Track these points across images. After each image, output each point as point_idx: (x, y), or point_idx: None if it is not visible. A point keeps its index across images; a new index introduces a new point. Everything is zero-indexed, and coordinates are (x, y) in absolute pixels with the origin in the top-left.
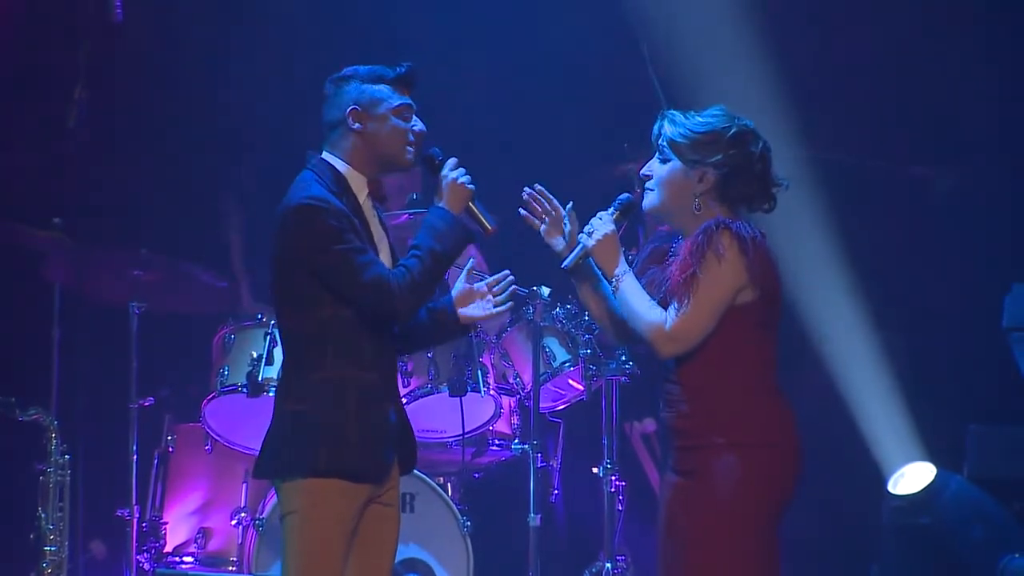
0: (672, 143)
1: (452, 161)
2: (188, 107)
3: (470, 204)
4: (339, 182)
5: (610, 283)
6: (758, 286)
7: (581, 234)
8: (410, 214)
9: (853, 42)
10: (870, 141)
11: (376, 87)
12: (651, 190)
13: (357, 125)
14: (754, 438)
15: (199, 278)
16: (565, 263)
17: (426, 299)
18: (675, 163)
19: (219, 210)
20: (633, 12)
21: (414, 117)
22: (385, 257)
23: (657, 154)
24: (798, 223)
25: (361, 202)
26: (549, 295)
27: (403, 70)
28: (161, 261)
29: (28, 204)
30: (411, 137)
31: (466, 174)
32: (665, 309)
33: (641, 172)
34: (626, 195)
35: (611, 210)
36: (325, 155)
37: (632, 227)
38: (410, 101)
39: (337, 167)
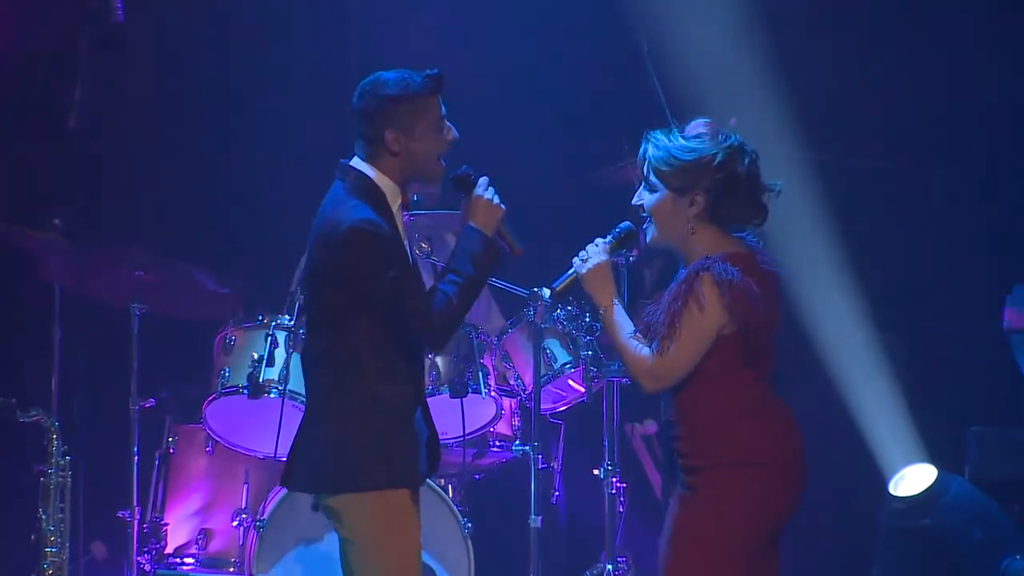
0: (657, 172)
1: (484, 180)
2: (189, 108)
3: (501, 225)
4: (378, 197)
5: (597, 312)
6: (737, 323)
7: (575, 259)
8: (411, 215)
9: (851, 43)
10: (869, 142)
11: (410, 105)
12: (649, 221)
13: (396, 148)
14: (747, 457)
15: (200, 279)
16: (555, 284)
17: (461, 322)
18: (662, 193)
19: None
20: (634, 11)
21: (447, 123)
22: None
23: (643, 182)
24: (797, 225)
25: (395, 212)
26: (550, 296)
27: (432, 81)
28: (162, 262)
29: (28, 205)
30: (445, 147)
31: (496, 193)
32: (649, 343)
33: (633, 202)
34: (626, 224)
35: (608, 238)
36: (361, 166)
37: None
38: (444, 111)
39: (374, 179)
